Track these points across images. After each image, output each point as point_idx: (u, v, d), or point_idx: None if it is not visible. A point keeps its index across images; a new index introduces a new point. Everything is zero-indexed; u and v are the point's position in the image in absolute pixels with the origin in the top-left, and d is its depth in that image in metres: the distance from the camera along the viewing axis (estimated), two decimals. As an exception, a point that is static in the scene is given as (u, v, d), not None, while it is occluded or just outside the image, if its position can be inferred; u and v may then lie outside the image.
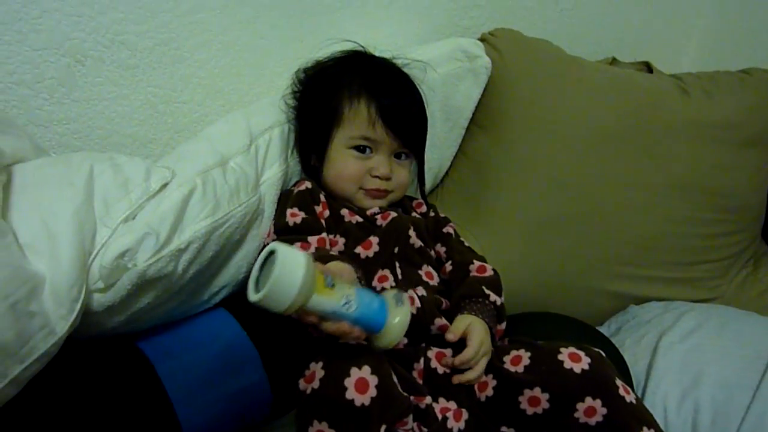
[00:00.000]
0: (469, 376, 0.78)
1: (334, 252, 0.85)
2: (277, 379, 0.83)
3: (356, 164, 0.92)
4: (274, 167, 0.92)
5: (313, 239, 0.84)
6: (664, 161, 1.17)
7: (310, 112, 0.96)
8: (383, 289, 0.84)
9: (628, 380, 0.90)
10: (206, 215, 0.79)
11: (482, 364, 0.79)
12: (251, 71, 1.08)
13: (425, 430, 0.74)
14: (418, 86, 0.98)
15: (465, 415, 0.77)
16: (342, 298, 0.62)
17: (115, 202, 0.74)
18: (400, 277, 0.87)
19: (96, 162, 0.77)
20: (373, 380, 0.63)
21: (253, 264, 0.90)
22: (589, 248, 1.16)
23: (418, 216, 0.99)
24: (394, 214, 0.92)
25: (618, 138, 1.16)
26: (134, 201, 0.75)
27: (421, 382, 0.78)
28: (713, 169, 1.19)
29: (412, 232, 0.92)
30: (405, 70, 0.98)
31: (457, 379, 0.79)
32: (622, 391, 0.73)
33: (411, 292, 0.83)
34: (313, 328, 0.65)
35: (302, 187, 0.92)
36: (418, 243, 0.92)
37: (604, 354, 0.77)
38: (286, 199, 0.91)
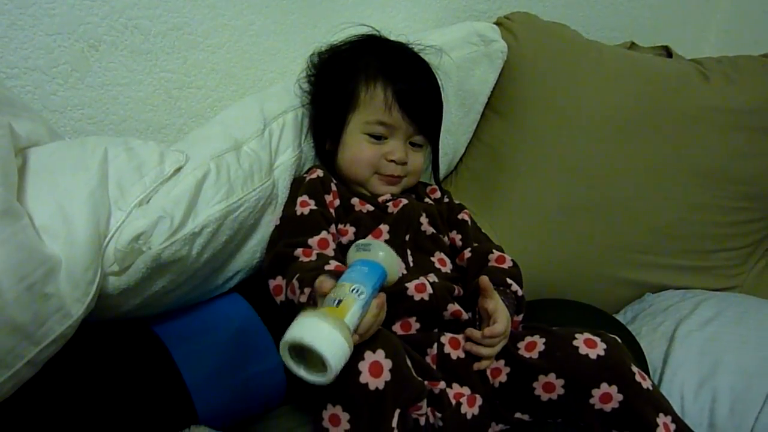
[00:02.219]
0: (484, 351, 0.77)
1: (330, 251, 0.83)
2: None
3: (372, 149, 0.91)
4: (288, 152, 0.92)
5: (314, 241, 0.82)
6: (683, 148, 1.16)
7: (325, 96, 0.95)
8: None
9: (644, 367, 0.89)
10: (220, 199, 0.79)
11: (499, 346, 0.79)
12: (265, 57, 1.08)
13: (439, 415, 0.73)
14: (434, 71, 0.96)
15: (479, 400, 0.76)
16: (353, 294, 0.61)
17: (129, 186, 0.74)
18: (411, 264, 0.86)
19: (110, 146, 0.77)
20: (387, 364, 0.62)
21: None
22: (605, 236, 1.14)
23: (431, 202, 0.98)
24: (405, 201, 0.92)
25: (636, 124, 1.14)
26: (148, 185, 0.75)
27: (434, 367, 0.78)
28: (733, 155, 1.17)
29: (424, 219, 0.91)
30: (420, 55, 0.97)
31: (477, 366, 0.78)
32: (638, 378, 0.72)
33: (423, 279, 0.82)
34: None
35: (314, 176, 0.91)
36: (431, 230, 0.92)
37: (620, 340, 0.76)
38: (297, 186, 0.91)
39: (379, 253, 0.69)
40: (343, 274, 0.65)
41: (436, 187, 1.03)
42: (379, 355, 0.62)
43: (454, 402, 0.75)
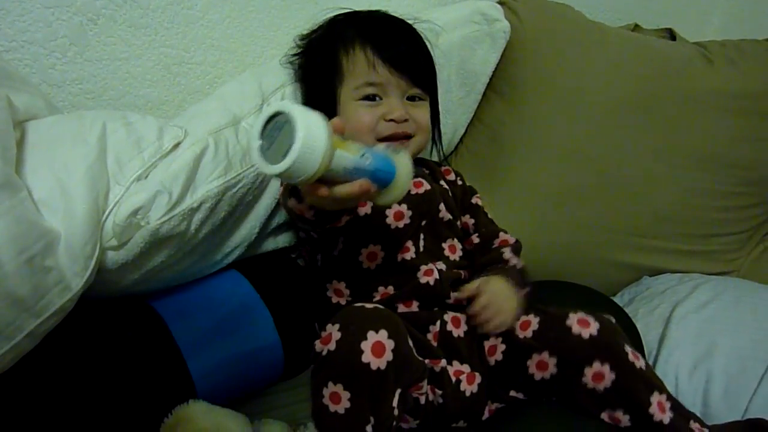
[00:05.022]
0: (485, 329, 0.78)
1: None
2: (289, 339, 0.83)
3: (368, 113, 0.85)
4: (289, 126, 0.92)
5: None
6: (685, 131, 1.15)
7: (310, 77, 0.92)
8: (403, 259, 0.83)
9: (639, 348, 0.90)
10: (218, 175, 0.79)
11: (505, 311, 0.78)
12: (265, 33, 1.07)
13: (439, 392, 0.74)
14: (420, 33, 0.93)
15: (478, 378, 0.77)
16: (358, 150, 0.57)
17: (127, 161, 0.74)
18: (422, 249, 0.85)
19: (109, 120, 0.77)
20: (389, 344, 0.62)
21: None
22: (604, 219, 1.14)
23: (446, 186, 0.95)
24: (427, 186, 0.89)
25: (638, 107, 1.14)
26: (147, 159, 0.75)
27: (435, 344, 0.78)
28: (734, 140, 1.17)
29: (442, 206, 0.89)
30: (407, 22, 0.93)
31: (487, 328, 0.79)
32: (631, 357, 0.73)
33: (432, 265, 0.82)
34: (308, 211, 0.65)
35: None
36: (447, 216, 0.90)
37: (614, 320, 0.77)
38: None
39: (402, 162, 0.63)
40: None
41: (450, 168, 1.01)
42: (382, 335, 0.62)
43: (454, 379, 0.76)
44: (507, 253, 0.87)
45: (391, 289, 0.82)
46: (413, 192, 0.87)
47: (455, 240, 0.90)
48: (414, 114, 0.87)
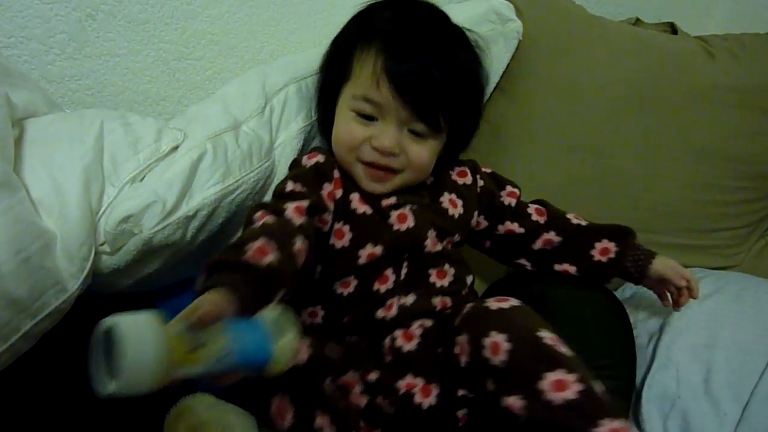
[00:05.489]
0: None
1: (261, 258, 0.61)
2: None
3: (356, 129, 0.76)
4: (291, 127, 0.90)
5: (291, 206, 0.70)
6: (686, 126, 1.15)
7: (328, 63, 0.84)
8: (377, 290, 0.77)
9: (629, 337, 0.89)
10: (216, 181, 0.78)
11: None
12: (264, 28, 1.06)
13: (391, 407, 0.71)
14: (465, 47, 0.80)
15: (435, 390, 0.72)
16: (213, 355, 0.50)
17: (123, 162, 0.74)
18: (402, 277, 0.78)
19: (107, 120, 0.77)
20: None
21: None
22: (605, 214, 1.13)
23: (445, 205, 0.83)
24: (411, 218, 0.78)
25: (638, 101, 1.13)
26: (142, 161, 0.74)
27: (390, 358, 0.75)
28: (736, 134, 1.16)
29: (430, 240, 0.79)
30: (453, 28, 0.82)
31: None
32: (541, 333, 0.65)
33: (399, 299, 0.76)
34: None
35: (312, 161, 0.79)
36: (436, 248, 0.80)
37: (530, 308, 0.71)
38: (294, 169, 0.80)
39: (284, 345, 0.54)
40: (235, 323, 0.52)
41: (466, 169, 0.89)
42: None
43: (404, 391, 0.72)
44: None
45: (349, 319, 0.77)
46: (395, 228, 0.77)
47: (446, 266, 0.81)
48: (410, 149, 0.77)
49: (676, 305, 0.89)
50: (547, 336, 0.65)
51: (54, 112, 0.80)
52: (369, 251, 0.76)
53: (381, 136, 0.75)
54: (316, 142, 0.95)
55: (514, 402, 0.62)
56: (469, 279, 0.85)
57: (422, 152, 0.78)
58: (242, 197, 0.81)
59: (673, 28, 1.27)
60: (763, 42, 1.19)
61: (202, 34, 1.01)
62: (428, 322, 0.77)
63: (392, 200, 0.79)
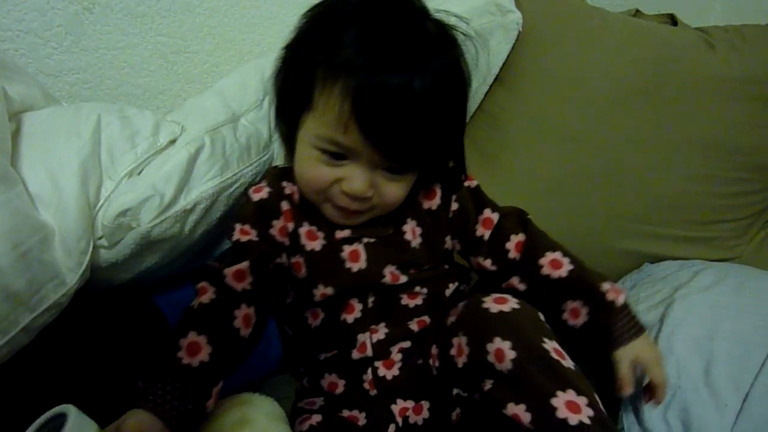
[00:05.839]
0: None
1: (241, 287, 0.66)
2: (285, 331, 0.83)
3: (322, 171, 0.68)
4: (290, 118, 0.90)
5: (230, 272, 0.66)
6: (686, 117, 1.14)
7: (281, 81, 0.73)
8: (345, 322, 0.74)
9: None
10: (214, 175, 0.77)
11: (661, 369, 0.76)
12: (263, 21, 1.06)
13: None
14: (448, 64, 0.67)
15: (426, 404, 0.72)
16: None
17: (120, 155, 0.73)
18: (370, 305, 0.74)
19: (104, 113, 0.76)
20: None
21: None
22: (605, 206, 1.14)
23: (408, 237, 0.77)
24: (363, 256, 0.73)
25: (638, 93, 1.13)
26: (140, 155, 0.74)
27: (375, 392, 0.73)
28: (736, 126, 1.16)
29: (388, 273, 0.74)
30: (445, 31, 0.71)
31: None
32: (543, 341, 0.63)
33: (369, 334, 0.74)
34: None
35: (257, 197, 0.73)
36: (401, 279, 0.74)
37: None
38: (240, 208, 0.75)
39: None
40: None
41: (437, 189, 0.79)
42: None
43: (401, 419, 0.71)
44: (606, 285, 0.76)
45: (326, 357, 0.76)
46: (346, 267, 0.73)
47: (417, 287, 0.76)
48: (384, 189, 0.70)
49: (621, 392, 0.76)
50: (552, 347, 0.63)
51: (51, 105, 0.80)
52: (321, 291, 0.73)
53: (352, 178, 0.67)
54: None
55: (520, 412, 0.60)
56: (452, 285, 0.80)
57: (397, 191, 0.71)
58: (240, 191, 0.81)
59: (673, 20, 1.27)
60: (764, 33, 1.19)
61: (200, 27, 1.01)
62: (406, 344, 0.75)
63: (346, 233, 0.74)
